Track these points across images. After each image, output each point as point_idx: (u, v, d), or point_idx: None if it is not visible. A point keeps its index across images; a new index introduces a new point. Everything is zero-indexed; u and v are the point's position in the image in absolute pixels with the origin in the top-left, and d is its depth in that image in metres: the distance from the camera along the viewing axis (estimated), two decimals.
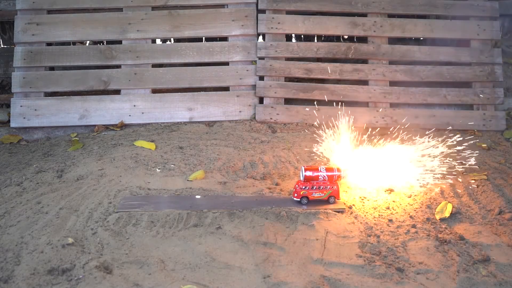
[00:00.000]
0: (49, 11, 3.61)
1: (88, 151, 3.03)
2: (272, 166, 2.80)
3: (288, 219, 2.19)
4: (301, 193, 2.32)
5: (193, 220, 2.17)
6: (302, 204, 2.31)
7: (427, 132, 2.83)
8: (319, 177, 2.34)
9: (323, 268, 1.90)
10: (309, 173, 2.34)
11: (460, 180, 2.57)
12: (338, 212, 2.28)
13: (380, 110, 3.48)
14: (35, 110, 3.47)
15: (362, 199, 2.42)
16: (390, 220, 2.24)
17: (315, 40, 4.11)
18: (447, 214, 2.28)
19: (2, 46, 4.18)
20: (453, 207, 2.32)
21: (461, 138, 2.84)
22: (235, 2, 3.63)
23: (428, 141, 2.59)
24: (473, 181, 2.59)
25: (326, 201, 2.34)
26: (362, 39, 3.73)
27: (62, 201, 2.35)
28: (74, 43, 3.83)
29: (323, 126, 2.68)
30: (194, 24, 3.60)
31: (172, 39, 4.02)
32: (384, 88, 3.54)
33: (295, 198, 2.34)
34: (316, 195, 2.33)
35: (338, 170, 2.37)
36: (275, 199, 2.38)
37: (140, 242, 2.04)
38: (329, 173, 2.35)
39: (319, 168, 2.36)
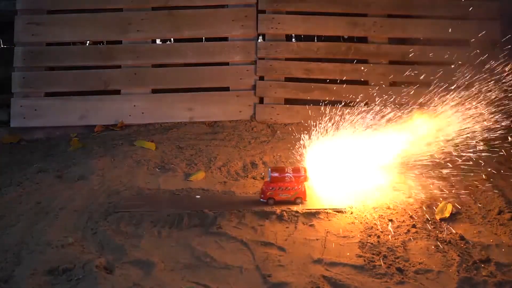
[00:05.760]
0: (49, 11, 3.60)
1: (88, 151, 3.03)
2: (272, 166, 2.79)
3: (288, 219, 2.19)
4: (268, 194, 2.31)
5: (193, 220, 2.17)
6: (269, 205, 2.29)
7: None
8: (286, 178, 2.32)
9: (323, 268, 1.90)
10: (275, 174, 2.32)
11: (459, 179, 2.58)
12: (338, 212, 2.28)
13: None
14: (35, 110, 3.47)
15: (362, 199, 2.42)
16: (390, 220, 2.24)
17: (315, 40, 4.11)
18: (447, 214, 2.28)
19: (2, 46, 4.18)
20: (453, 207, 2.32)
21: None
22: (235, 2, 3.63)
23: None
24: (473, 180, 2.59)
25: (293, 202, 2.32)
26: (362, 39, 3.73)
27: (62, 201, 2.35)
28: (74, 43, 3.83)
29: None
30: (194, 24, 3.60)
31: (172, 39, 4.02)
32: (384, 88, 3.54)
33: (261, 199, 2.33)
34: (283, 196, 2.32)
35: (305, 171, 2.36)
36: None
37: (140, 242, 2.04)
38: (296, 174, 2.33)
39: (286, 169, 2.35)
